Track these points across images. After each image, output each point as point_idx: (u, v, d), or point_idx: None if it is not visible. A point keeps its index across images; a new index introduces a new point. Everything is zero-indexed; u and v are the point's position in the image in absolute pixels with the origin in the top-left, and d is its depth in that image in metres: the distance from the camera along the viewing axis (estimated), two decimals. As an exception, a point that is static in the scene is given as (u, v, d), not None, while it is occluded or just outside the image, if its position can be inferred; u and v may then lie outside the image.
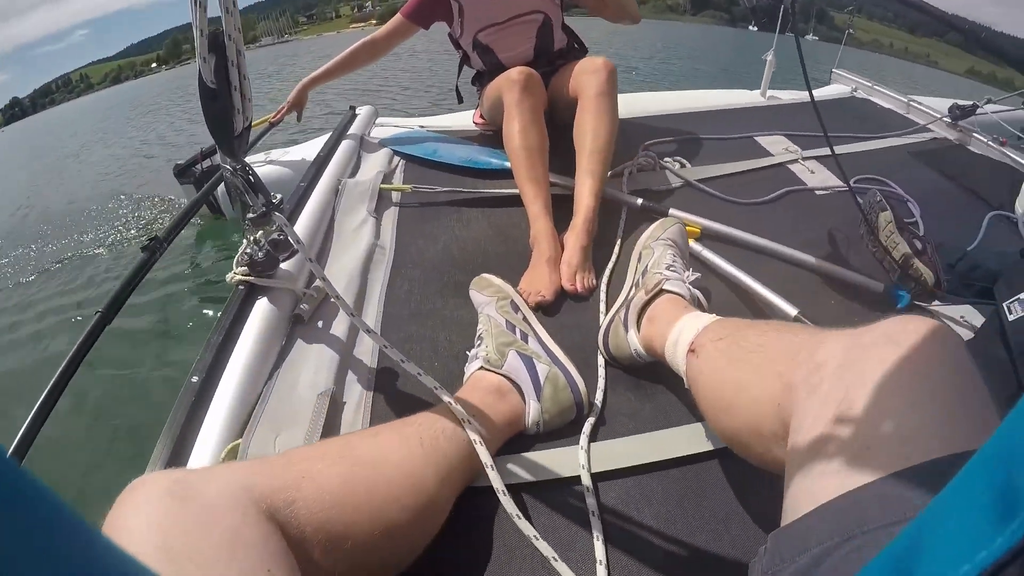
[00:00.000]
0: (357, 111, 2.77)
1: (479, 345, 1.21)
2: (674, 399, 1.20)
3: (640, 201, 1.89)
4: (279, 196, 1.27)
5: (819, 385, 0.61)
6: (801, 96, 3.32)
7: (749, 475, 1.03)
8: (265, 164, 3.03)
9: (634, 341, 1.18)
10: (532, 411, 1.09)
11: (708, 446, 1.07)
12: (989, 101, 3.39)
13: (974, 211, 2.17)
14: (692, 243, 1.69)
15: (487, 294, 1.38)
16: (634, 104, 2.98)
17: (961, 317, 1.63)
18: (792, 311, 1.41)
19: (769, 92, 3.26)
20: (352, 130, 2.54)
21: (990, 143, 2.77)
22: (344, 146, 2.36)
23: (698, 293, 1.23)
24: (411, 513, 0.79)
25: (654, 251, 1.37)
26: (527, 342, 1.20)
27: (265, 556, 0.58)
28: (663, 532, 0.95)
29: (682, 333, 1.01)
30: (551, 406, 1.09)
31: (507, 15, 2.20)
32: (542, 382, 1.11)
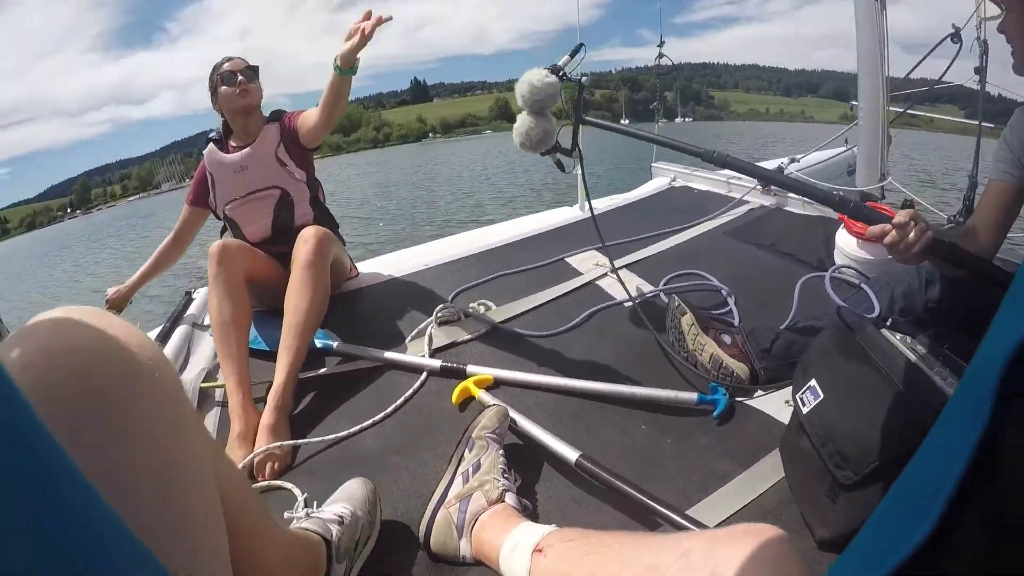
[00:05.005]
0: (193, 295, 2.71)
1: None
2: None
3: (439, 364, 1.89)
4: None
5: (689, 567, 0.73)
6: (619, 201, 3.51)
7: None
8: None
9: (465, 547, 1.20)
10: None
11: None
12: (793, 160, 3.68)
13: (790, 279, 2.21)
14: (482, 392, 1.70)
15: None
16: (446, 248, 3.07)
17: (786, 402, 1.60)
18: (573, 455, 1.38)
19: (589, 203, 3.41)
20: (188, 314, 2.53)
21: (805, 199, 2.94)
22: (177, 334, 2.30)
23: (527, 503, 1.30)
24: None
25: (488, 448, 1.38)
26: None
27: None
28: None
29: (521, 538, 1.06)
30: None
31: (246, 190, 2.33)
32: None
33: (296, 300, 1.95)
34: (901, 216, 1.31)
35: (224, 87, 2.27)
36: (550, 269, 2.63)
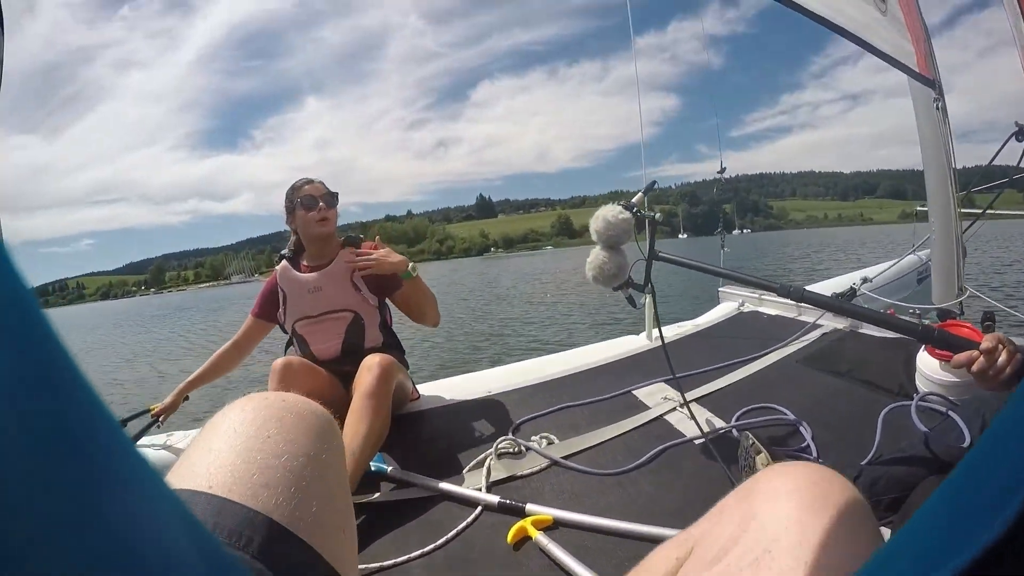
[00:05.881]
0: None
1: None
2: None
3: (497, 500, 1.83)
4: None
5: (717, 515, 0.75)
6: (687, 329, 3.48)
7: None
8: (160, 449, 2.88)
9: None
10: None
11: None
12: (866, 281, 3.61)
13: (870, 408, 2.15)
14: (539, 534, 1.61)
15: None
16: (510, 376, 3.07)
17: None
18: None
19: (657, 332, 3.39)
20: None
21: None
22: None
23: None
24: None
25: None
26: None
27: None
28: None
29: None
30: None
31: (319, 310, 2.40)
32: None
33: (356, 426, 1.95)
34: (988, 341, 1.25)
35: (304, 211, 2.36)
36: (617, 402, 2.59)
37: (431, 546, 1.64)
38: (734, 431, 2.17)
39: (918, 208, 5.19)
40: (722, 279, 4.03)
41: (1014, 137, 3.08)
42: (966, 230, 2.85)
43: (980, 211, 3.32)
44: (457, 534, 1.70)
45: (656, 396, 2.56)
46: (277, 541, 0.57)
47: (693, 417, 2.10)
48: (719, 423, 2.23)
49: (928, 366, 2.22)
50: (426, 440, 2.36)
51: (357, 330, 2.44)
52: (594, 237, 1.88)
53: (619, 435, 2.26)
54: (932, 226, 2.75)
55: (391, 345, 2.53)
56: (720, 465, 1.88)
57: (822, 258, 29.91)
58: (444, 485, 1.93)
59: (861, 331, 2.95)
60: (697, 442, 2.13)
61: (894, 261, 5.02)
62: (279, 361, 2.18)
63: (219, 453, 0.62)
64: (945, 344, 1.41)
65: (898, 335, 2.74)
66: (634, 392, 2.65)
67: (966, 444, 1.52)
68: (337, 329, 2.42)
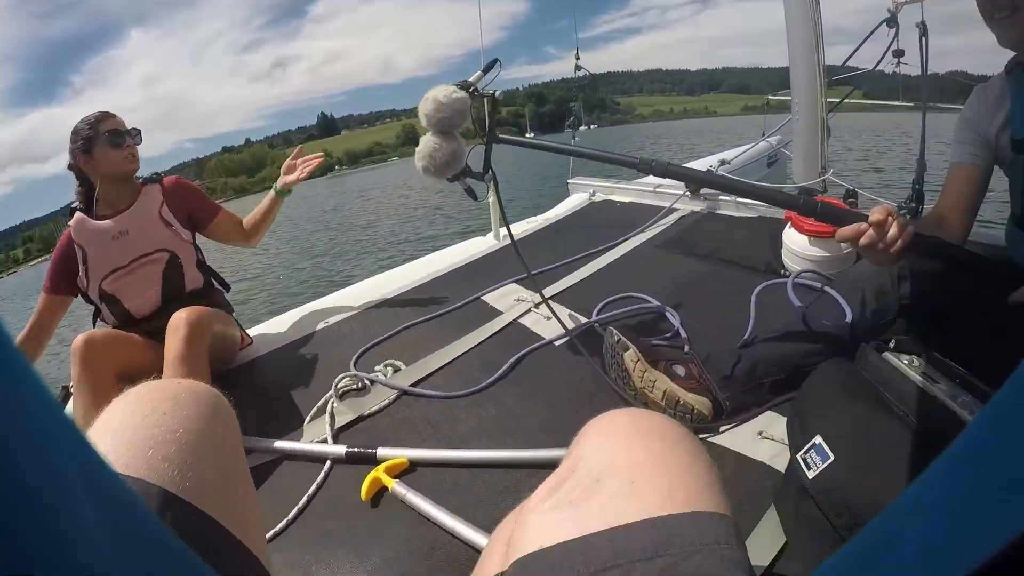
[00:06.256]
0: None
1: None
2: None
3: (344, 450, 1.56)
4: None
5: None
6: (537, 224, 3.23)
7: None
8: None
9: None
10: None
11: None
12: (723, 163, 3.52)
13: (738, 290, 2.02)
14: (396, 483, 1.39)
15: None
16: (348, 301, 2.67)
17: (760, 434, 1.40)
18: (484, 540, 1.19)
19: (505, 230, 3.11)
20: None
21: (737, 200, 2.75)
22: None
23: None
24: None
25: None
26: None
27: None
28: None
29: None
30: None
31: (129, 257, 2.07)
32: None
33: None
34: (877, 214, 1.18)
35: (109, 149, 2.03)
36: (466, 311, 2.30)
37: (282, 523, 1.38)
38: (596, 327, 1.98)
39: (771, 98, 5.33)
40: (570, 168, 3.84)
41: (885, 23, 3.12)
42: (830, 111, 2.78)
43: (838, 100, 3.37)
44: (308, 501, 1.45)
45: (508, 299, 2.31)
46: (171, 510, 0.57)
47: (552, 316, 1.89)
48: (580, 319, 2.04)
49: (796, 243, 2.13)
50: (261, 393, 2.00)
51: (175, 273, 2.15)
52: (424, 122, 1.63)
53: (472, 348, 2.02)
54: (795, 107, 2.62)
55: (212, 286, 2.27)
56: (588, 364, 1.71)
57: (670, 144, 30.92)
58: (282, 444, 1.65)
59: (719, 213, 2.83)
60: (558, 343, 1.94)
61: (751, 145, 5.08)
62: (79, 338, 1.81)
63: (116, 432, 0.63)
64: (830, 218, 1.32)
65: (758, 214, 2.67)
66: (484, 298, 2.37)
67: (849, 319, 1.47)
68: (152, 276, 2.12)
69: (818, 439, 1.05)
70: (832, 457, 1.00)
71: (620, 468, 0.57)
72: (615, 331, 1.66)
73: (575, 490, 0.57)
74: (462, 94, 1.62)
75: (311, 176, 2.31)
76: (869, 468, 0.97)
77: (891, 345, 1.20)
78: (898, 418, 1.04)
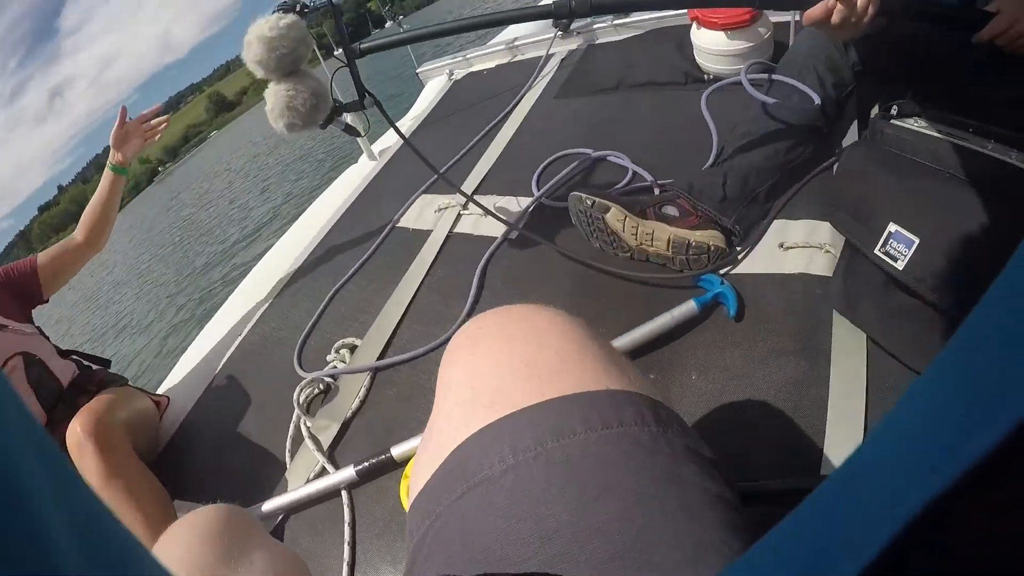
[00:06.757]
0: None
1: None
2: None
3: (354, 470, 1.29)
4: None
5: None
6: (407, 125, 2.82)
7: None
8: None
9: None
10: None
11: None
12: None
13: (671, 109, 1.87)
14: None
15: None
16: (254, 299, 2.08)
17: (781, 246, 1.33)
18: None
19: (377, 147, 2.69)
20: None
21: (613, 23, 2.49)
22: None
23: None
24: None
25: None
26: None
27: None
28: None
29: None
30: None
31: None
32: None
33: (128, 520, 1.37)
34: None
35: None
36: (389, 247, 1.93)
37: None
38: (545, 200, 1.74)
39: None
40: (413, 59, 3.44)
41: None
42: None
43: None
44: (352, 546, 1.22)
45: (428, 213, 1.96)
46: None
47: (487, 212, 1.61)
48: (524, 201, 1.77)
49: (710, 42, 1.92)
50: (215, 455, 1.59)
51: (41, 373, 1.67)
52: (260, 72, 1.30)
53: (420, 284, 1.70)
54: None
55: (88, 368, 1.81)
56: (562, 244, 1.53)
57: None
58: (279, 501, 1.33)
59: (600, 43, 2.55)
60: (513, 236, 1.67)
61: None
62: (74, 434, 1.42)
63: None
64: (786, 3, 1.31)
65: (641, 30, 2.41)
66: (400, 224, 2.00)
67: (818, 102, 1.39)
68: (20, 387, 1.61)
69: (892, 227, 0.99)
70: (917, 240, 0.95)
71: (489, 375, 0.56)
72: (583, 195, 1.43)
73: (453, 415, 0.56)
74: (291, 17, 1.30)
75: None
76: (955, 238, 0.91)
77: (893, 112, 1.12)
78: (950, 177, 0.97)
